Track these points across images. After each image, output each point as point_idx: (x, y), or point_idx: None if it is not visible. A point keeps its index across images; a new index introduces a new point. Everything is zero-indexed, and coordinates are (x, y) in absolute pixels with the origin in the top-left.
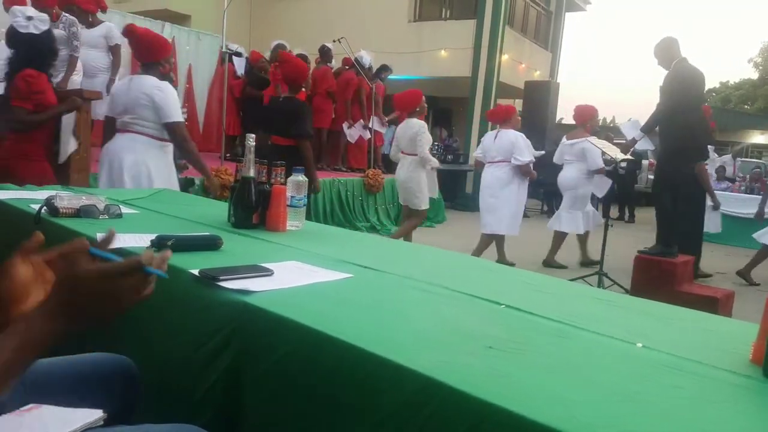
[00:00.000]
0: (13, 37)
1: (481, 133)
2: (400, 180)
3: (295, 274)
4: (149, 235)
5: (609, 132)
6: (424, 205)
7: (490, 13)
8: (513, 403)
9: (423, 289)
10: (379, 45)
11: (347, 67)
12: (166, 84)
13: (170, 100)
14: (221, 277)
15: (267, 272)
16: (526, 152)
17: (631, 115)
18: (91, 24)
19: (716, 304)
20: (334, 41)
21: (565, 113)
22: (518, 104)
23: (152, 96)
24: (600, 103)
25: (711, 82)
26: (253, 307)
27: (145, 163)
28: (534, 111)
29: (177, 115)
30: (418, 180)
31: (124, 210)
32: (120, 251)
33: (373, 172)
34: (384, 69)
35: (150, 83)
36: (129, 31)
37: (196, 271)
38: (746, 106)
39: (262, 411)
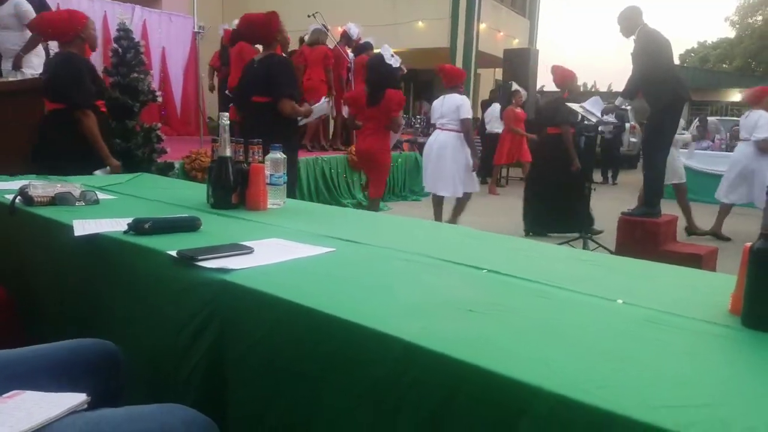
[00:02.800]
0: None
1: None
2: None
3: (276, 250)
4: (126, 219)
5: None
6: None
7: None
8: (493, 363)
9: (405, 259)
10: (354, 18)
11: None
12: None
13: None
14: (200, 257)
15: (247, 250)
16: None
17: (611, 80)
18: None
19: (700, 261)
20: (309, 16)
21: (545, 81)
22: (499, 74)
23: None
24: (579, 70)
25: (689, 42)
26: (233, 285)
27: None
28: (514, 79)
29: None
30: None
31: (101, 196)
32: (97, 237)
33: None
34: (369, 46)
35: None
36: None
37: (174, 253)
38: (724, 65)
39: (247, 388)
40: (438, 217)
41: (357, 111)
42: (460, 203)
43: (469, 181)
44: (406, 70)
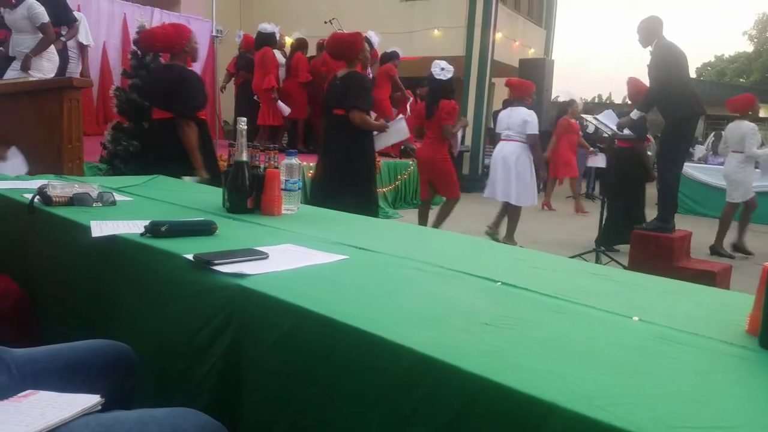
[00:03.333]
0: None
1: (477, 113)
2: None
3: (291, 256)
4: (143, 222)
5: (606, 109)
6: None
7: None
8: (509, 378)
9: (418, 269)
10: (370, 25)
11: None
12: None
13: None
14: (216, 261)
15: (262, 255)
16: None
17: (625, 92)
18: (12, 4)
19: (714, 278)
20: (325, 22)
21: (560, 91)
22: None
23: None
24: (594, 81)
25: (706, 56)
26: (249, 291)
27: None
28: None
29: None
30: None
31: (118, 197)
32: (114, 238)
33: None
34: (395, 56)
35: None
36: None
37: (190, 256)
38: (741, 80)
39: (260, 393)
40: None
41: (420, 123)
42: (513, 214)
43: (526, 193)
44: (451, 76)
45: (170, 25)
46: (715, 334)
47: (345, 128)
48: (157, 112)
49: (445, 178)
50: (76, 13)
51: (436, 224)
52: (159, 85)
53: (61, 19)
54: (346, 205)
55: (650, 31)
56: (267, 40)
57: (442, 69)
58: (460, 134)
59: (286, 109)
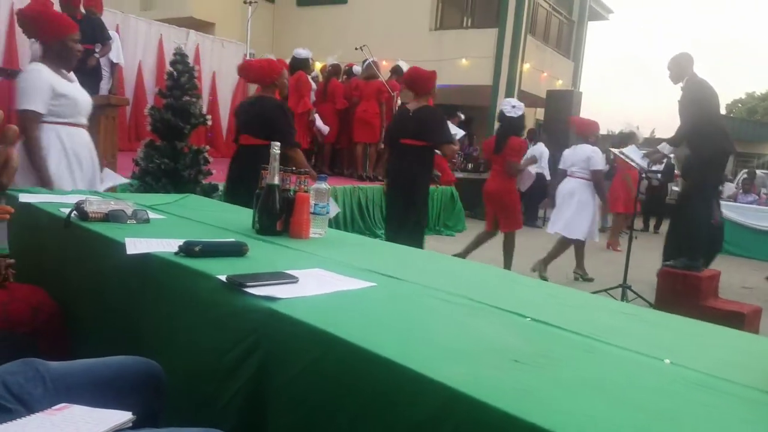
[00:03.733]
0: None
1: None
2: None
3: (320, 281)
4: (177, 241)
5: (631, 142)
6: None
7: (511, 22)
8: (540, 418)
9: (447, 300)
10: (400, 53)
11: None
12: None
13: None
14: (248, 284)
15: (292, 279)
16: None
17: (654, 125)
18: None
19: (743, 320)
20: (356, 48)
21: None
22: (540, 113)
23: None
24: (621, 114)
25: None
26: (280, 314)
27: None
28: (556, 120)
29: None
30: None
31: (152, 215)
32: (148, 256)
33: None
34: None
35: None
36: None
37: (223, 277)
38: None
39: (286, 418)
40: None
41: (488, 157)
42: (579, 248)
43: (587, 228)
44: (522, 113)
45: (265, 60)
46: (751, 382)
47: (415, 158)
48: (247, 139)
49: (509, 211)
50: (111, 32)
51: (506, 262)
52: (256, 114)
53: (96, 36)
54: (407, 232)
55: (681, 68)
56: (301, 64)
57: (513, 106)
58: (533, 168)
59: (325, 129)
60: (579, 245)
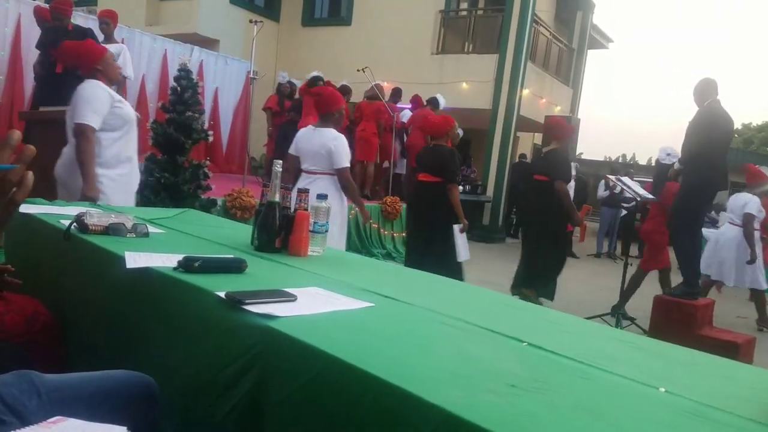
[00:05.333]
0: None
1: (500, 165)
2: None
3: (318, 300)
4: (176, 256)
5: (630, 169)
6: None
7: (512, 49)
8: None
9: (444, 323)
10: (402, 76)
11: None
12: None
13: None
14: (247, 301)
15: (290, 297)
16: None
17: (651, 153)
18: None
19: (737, 350)
20: (358, 70)
21: (584, 148)
22: (538, 138)
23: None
24: (620, 140)
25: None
26: (277, 333)
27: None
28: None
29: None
30: None
31: (151, 229)
32: (147, 270)
33: (391, 199)
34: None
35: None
36: (316, 93)
37: (222, 294)
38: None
39: None
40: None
41: (645, 201)
42: (759, 299)
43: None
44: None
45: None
46: (746, 413)
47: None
48: (425, 176)
49: (656, 250)
50: (118, 45)
51: (627, 293)
52: (432, 156)
53: None
54: (544, 261)
55: (704, 93)
56: (315, 85)
57: (668, 154)
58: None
59: None
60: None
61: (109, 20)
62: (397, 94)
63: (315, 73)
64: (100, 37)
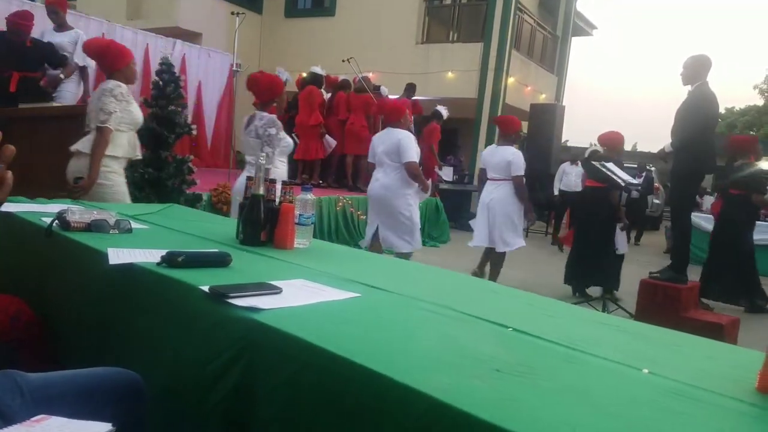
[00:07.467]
0: None
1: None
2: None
3: (303, 292)
4: (160, 251)
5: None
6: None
7: (496, 37)
8: (521, 426)
9: (430, 310)
10: (387, 66)
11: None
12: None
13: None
14: (231, 294)
15: (275, 290)
16: None
17: (636, 139)
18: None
19: (721, 331)
20: (343, 61)
21: (570, 135)
22: (524, 126)
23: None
24: (605, 127)
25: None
26: (263, 325)
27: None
28: (539, 133)
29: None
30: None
31: (135, 225)
32: (130, 266)
33: None
34: (438, 116)
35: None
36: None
37: (206, 288)
38: (752, 132)
39: (269, 428)
40: None
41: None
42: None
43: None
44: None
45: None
46: (726, 391)
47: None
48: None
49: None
50: (74, 32)
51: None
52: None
53: (53, 62)
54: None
55: (696, 71)
56: (314, 80)
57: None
58: None
59: (332, 142)
60: None
61: (56, 8)
62: (411, 89)
63: (315, 69)
64: (51, 26)
